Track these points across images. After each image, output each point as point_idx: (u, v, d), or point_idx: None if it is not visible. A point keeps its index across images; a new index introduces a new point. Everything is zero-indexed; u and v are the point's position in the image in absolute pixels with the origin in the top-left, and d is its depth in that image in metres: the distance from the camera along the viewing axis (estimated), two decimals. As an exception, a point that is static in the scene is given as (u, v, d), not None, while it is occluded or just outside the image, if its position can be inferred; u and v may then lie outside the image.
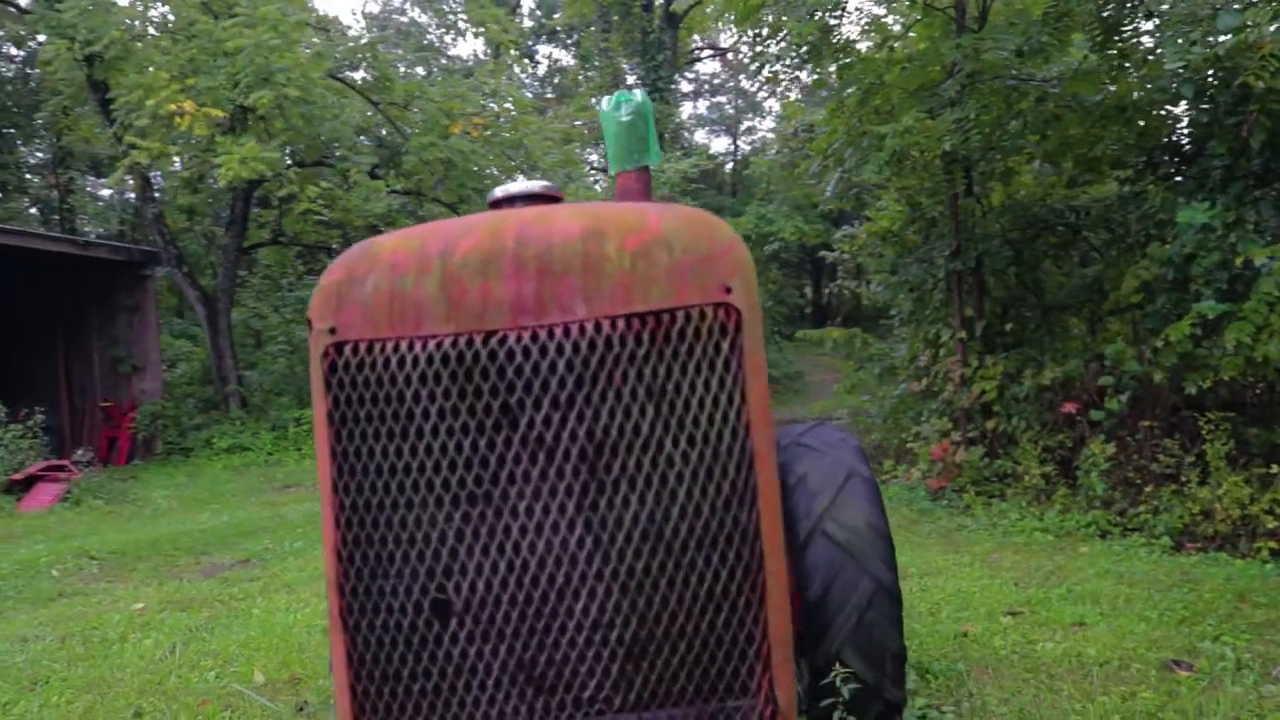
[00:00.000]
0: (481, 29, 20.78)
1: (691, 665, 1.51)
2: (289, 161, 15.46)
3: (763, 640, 1.52)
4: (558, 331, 1.47)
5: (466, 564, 1.47)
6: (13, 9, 23.45)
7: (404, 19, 37.55)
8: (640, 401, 1.50)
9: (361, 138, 20.82)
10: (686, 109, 43.76)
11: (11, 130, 31.33)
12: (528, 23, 38.77)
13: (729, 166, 41.16)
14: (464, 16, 31.81)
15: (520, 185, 1.70)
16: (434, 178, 16.40)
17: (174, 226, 20.51)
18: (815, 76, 10.56)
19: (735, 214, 29.49)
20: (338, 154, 15.71)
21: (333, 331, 1.56)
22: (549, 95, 39.71)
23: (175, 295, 24.09)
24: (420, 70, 30.25)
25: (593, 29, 30.74)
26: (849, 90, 10.08)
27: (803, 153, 16.42)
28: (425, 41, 35.92)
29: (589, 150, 32.00)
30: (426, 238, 1.56)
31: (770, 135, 35.96)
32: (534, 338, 1.47)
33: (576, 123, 33.36)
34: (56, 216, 28.48)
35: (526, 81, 42.18)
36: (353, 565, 1.58)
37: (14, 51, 30.54)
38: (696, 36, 32.51)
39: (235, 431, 17.57)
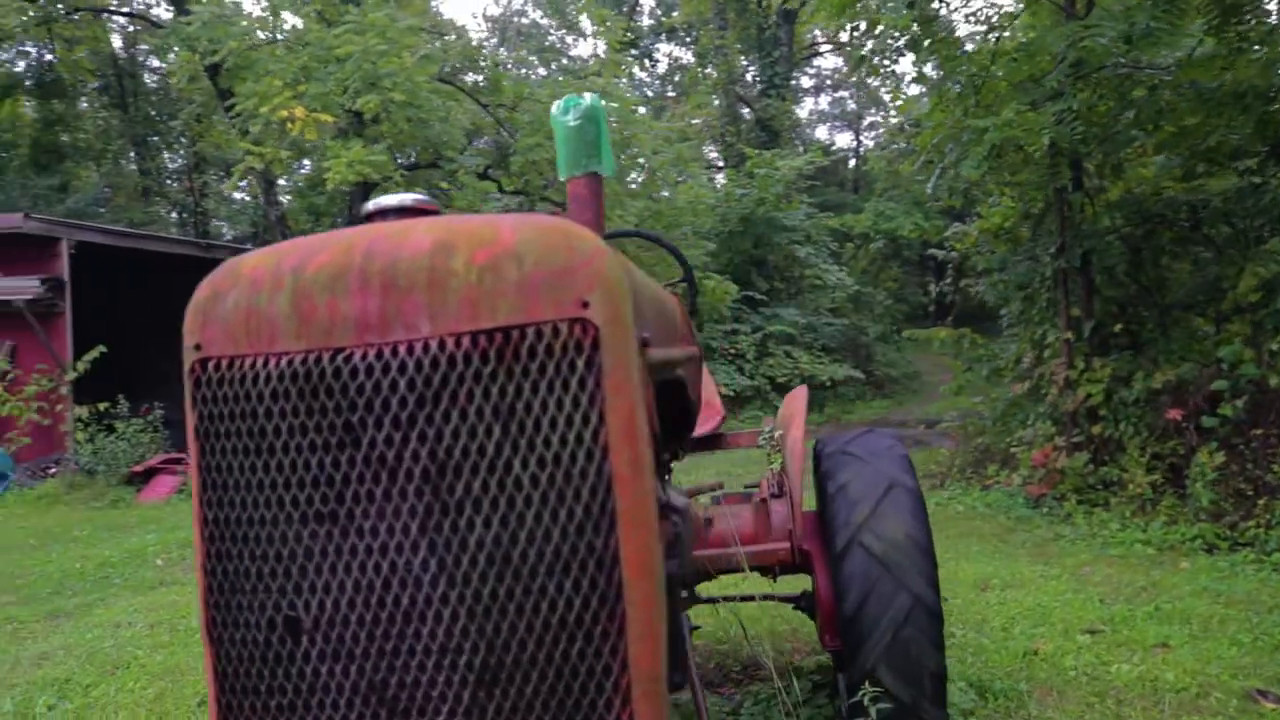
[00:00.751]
0: (602, 28, 20.87)
1: (546, 695, 1.45)
2: (399, 164, 15.80)
3: (621, 673, 1.43)
4: (401, 349, 1.44)
5: (316, 583, 1.46)
6: (152, 24, 24.64)
7: (525, 20, 38.09)
8: (487, 422, 1.45)
9: (482, 141, 21.22)
10: (808, 104, 43.32)
11: (154, 138, 32.95)
12: (647, 21, 38.87)
13: (852, 163, 40.60)
14: (584, 17, 32.20)
15: (394, 198, 1.65)
16: (541, 178, 16.53)
17: (295, 227, 21.22)
18: (915, 70, 10.27)
19: (855, 211, 29.07)
20: (446, 156, 15.97)
21: (198, 348, 1.58)
22: (670, 94, 39.80)
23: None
24: (542, 71, 30.69)
25: (710, 26, 30.60)
26: (952, 83, 9.77)
27: (910, 149, 16.03)
28: (547, 43, 36.43)
29: (707, 148, 31.92)
30: (285, 254, 1.55)
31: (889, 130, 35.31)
32: (378, 355, 1.44)
33: (694, 121, 33.34)
34: (191, 219, 29.78)
35: (647, 80, 42.40)
36: (215, 579, 1.60)
37: (155, 64, 32.11)
38: (816, 31, 32.09)
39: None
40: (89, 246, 14.09)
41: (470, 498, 1.44)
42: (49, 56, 31.09)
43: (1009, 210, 11.31)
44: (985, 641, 5.02)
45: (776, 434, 4.12)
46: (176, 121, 26.86)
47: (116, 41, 32.51)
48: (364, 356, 1.45)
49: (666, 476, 2.56)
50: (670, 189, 19.98)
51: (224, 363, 1.56)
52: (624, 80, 24.87)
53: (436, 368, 1.44)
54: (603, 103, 2.21)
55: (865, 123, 42.84)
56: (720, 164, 30.40)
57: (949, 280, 19.51)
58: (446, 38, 20.43)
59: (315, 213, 22.75)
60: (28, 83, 31.96)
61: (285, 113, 13.17)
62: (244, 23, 14.98)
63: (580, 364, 1.46)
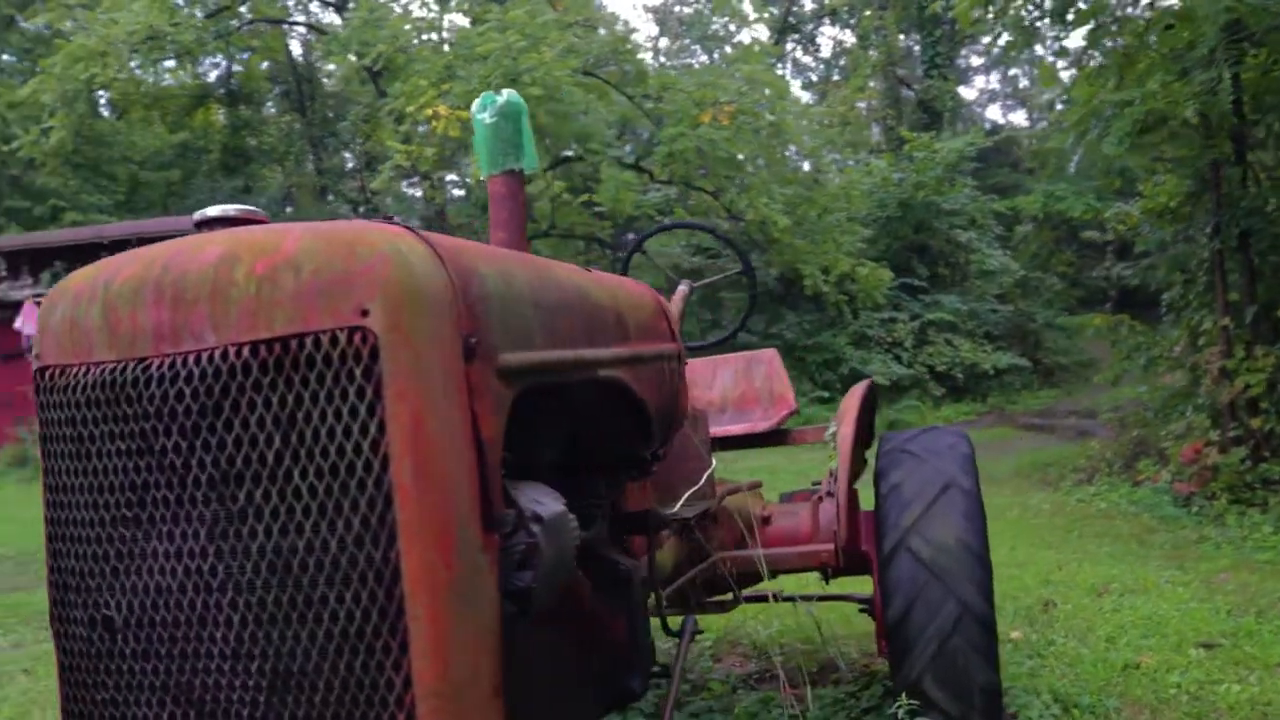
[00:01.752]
0: (766, 14, 20.68)
1: (335, 705, 1.44)
2: (548, 158, 16.04)
3: (405, 688, 1.39)
4: (190, 360, 1.47)
5: (127, 585, 1.54)
6: (320, 31, 25.77)
7: (687, 9, 38.04)
8: (268, 432, 1.44)
9: (638, 132, 21.31)
10: (978, 83, 41.73)
11: (331, 138, 34.48)
12: (809, 5, 38.24)
13: (1027, 143, 38.90)
14: (746, 2, 31.90)
15: (216, 209, 1.66)
16: (685, 168, 16.48)
17: (453, 222, 21.83)
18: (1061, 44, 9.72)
19: (1026, 192, 27.85)
20: (589, 148, 16.10)
21: (38, 357, 1.66)
22: (835, 78, 39.07)
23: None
24: (704, 59, 30.61)
25: (871, 7, 29.86)
26: (1096, 56, 9.22)
27: (1062, 125, 15.23)
28: (710, 31, 36.28)
29: (868, 132, 31.21)
30: (104, 267, 1.61)
31: (1061, 107, 33.62)
32: (170, 366, 1.48)
33: (860, 104, 32.63)
34: (364, 216, 31.04)
35: (811, 64, 41.74)
36: (55, 577, 1.68)
37: (330, 67, 33.58)
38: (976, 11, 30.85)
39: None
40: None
41: (253, 507, 1.45)
42: (237, 67, 32.99)
43: (1173, 188, 10.59)
44: (1084, 651, 4.70)
45: (831, 430, 3.96)
46: (345, 123, 27.99)
47: (296, 48, 34.22)
48: (159, 366, 1.50)
49: (642, 481, 2.47)
50: (823, 175, 19.60)
51: (56, 372, 1.63)
52: (780, 65, 24.53)
53: (219, 378, 1.46)
54: (520, 98, 2.14)
55: (1044, 99, 40.95)
56: (883, 148, 29.64)
57: (1108, 265, 18.49)
58: (599, 32, 20.60)
59: (483, 207, 23.35)
60: (220, 91, 34.00)
61: (430, 111, 13.54)
62: (394, 25, 15.46)
63: (359, 373, 1.43)
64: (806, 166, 21.36)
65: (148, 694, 1.50)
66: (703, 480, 3.62)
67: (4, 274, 15.43)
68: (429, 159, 14.76)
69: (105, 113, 30.82)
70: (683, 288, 4.35)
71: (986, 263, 22.79)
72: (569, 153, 17.77)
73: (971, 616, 3.28)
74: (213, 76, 33.56)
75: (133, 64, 18.32)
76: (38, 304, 15.14)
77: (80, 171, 25.96)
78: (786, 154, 20.16)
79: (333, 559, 1.44)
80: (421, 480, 1.42)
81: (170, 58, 19.12)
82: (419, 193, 32.44)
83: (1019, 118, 41.84)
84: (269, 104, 36.65)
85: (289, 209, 34.75)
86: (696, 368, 4.87)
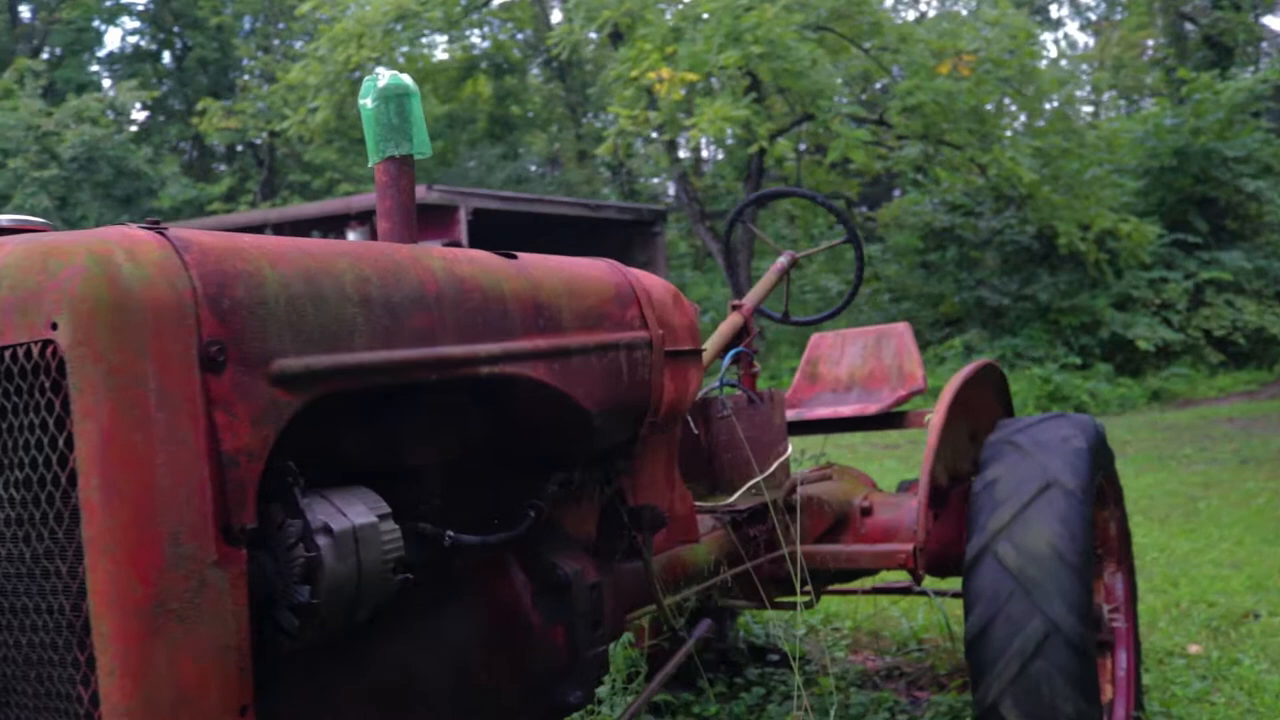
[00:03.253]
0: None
1: (34, 718, 1.46)
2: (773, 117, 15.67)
3: (94, 706, 1.37)
4: None
5: None
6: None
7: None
8: None
9: (880, 87, 20.50)
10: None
11: (588, 103, 35.32)
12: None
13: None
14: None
15: (4, 218, 1.64)
16: (924, 123, 15.66)
17: (698, 184, 21.81)
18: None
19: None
20: (819, 106, 15.57)
21: None
22: (1118, 16, 36.14)
23: (701, 249, 25.60)
24: (961, 10, 29.03)
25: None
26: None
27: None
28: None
29: (1146, 76, 28.64)
30: None
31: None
32: None
33: (1143, 44, 29.99)
34: (617, 180, 31.58)
35: (1092, 4, 38.75)
36: None
37: (592, 35, 34.30)
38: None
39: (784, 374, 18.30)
40: (485, 212, 15.39)
41: None
42: (502, 37, 34.30)
43: None
44: (1274, 679, 4.08)
45: (929, 417, 3.59)
46: (593, 89, 28.54)
47: (556, 16, 35.16)
48: None
49: (574, 490, 2.31)
50: (1082, 123, 18.15)
51: None
52: (1057, 4, 22.83)
53: None
54: (407, 79, 1.98)
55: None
56: (1161, 91, 27.12)
57: None
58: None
59: (737, 168, 23.24)
60: (483, 65, 35.50)
61: (653, 74, 13.49)
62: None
63: (48, 388, 1.39)
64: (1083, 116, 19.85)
65: None
66: (772, 468, 3.36)
67: (272, 244, 16.74)
68: (654, 121, 14.72)
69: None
70: (782, 260, 4.07)
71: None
72: (805, 111, 17.27)
73: (1060, 637, 2.90)
74: (478, 50, 35.09)
75: (395, 45, 19.31)
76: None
77: (355, 145, 27.84)
78: (1048, 104, 18.81)
79: (29, 572, 1.45)
80: (112, 497, 1.36)
81: (424, 35, 20.01)
82: (684, 153, 32.89)
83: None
84: (535, 71, 37.95)
85: (556, 172, 36.04)
86: (825, 343, 4.57)
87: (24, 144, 19.20)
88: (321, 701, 1.84)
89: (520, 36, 34.76)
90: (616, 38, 17.39)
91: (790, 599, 3.57)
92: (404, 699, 1.96)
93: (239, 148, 29.18)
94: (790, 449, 3.46)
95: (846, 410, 4.05)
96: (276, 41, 28.53)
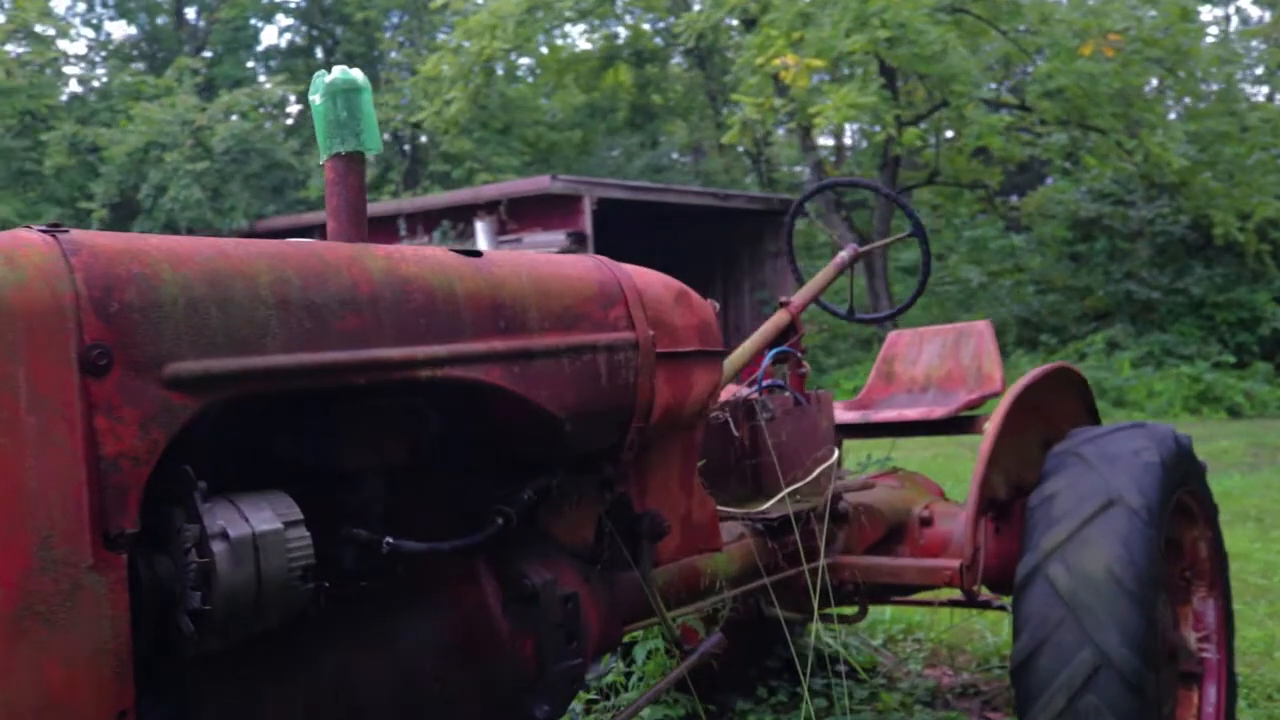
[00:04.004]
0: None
1: None
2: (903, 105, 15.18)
3: None
4: None
5: None
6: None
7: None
8: None
9: (1022, 71, 19.67)
10: None
11: (723, 89, 35.07)
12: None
13: None
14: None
15: None
16: (1066, 106, 14.93)
17: (832, 171, 21.39)
18: None
19: None
20: (953, 91, 15.01)
21: None
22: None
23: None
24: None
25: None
26: None
27: None
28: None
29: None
30: None
31: None
32: None
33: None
34: (756, 168, 31.24)
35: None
36: None
37: (733, 22, 34.01)
38: None
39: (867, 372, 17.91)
40: (609, 202, 15.38)
41: None
42: (644, 25, 34.30)
43: None
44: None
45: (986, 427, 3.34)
46: (729, 76, 28.29)
47: (696, 5, 34.98)
48: None
49: (545, 498, 2.21)
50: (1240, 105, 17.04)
51: None
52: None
53: None
54: (358, 74, 1.91)
55: None
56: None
57: None
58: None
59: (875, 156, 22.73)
60: (625, 54, 35.59)
61: (778, 61, 13.24)
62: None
63: None
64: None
65: None
66: (814, 474, 3.18)
67: (404, 233, 17.12)
68: (776, 113, 14.45)
69: (527, 77, 33.40)
70: (844, 254, 3.87)
71: None
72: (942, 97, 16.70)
73: (1112, 671, 2.68)
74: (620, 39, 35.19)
75: (529, 35, 19.52)
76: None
77: (494, 135, 28.28)
78: (1207, 86, 17.74)
79: None
80: None
81: (560, 25, 20.17)
82: (828, 142, 32.28)
83: None
84: (677, 59, 37.85)
85: (696, 161, 35.93)
86: (902, 341, 4.34)
87: (179, 138, 20.13)
88: (254, 710, 1.80)
89: (664, 25, 34.74)
90: (750, 24, 17.16)
91: (840, 610, 3.40)
92: (344, 708, 1.90)
93: (386, 137, 30.02)
94: (836, 454, 3.27)
95: (912, 413, 3.82)
96: (418, 35, 29.19)
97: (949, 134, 20.65)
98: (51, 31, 24.34)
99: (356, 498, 1.89)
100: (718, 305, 2.73)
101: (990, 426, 3.16)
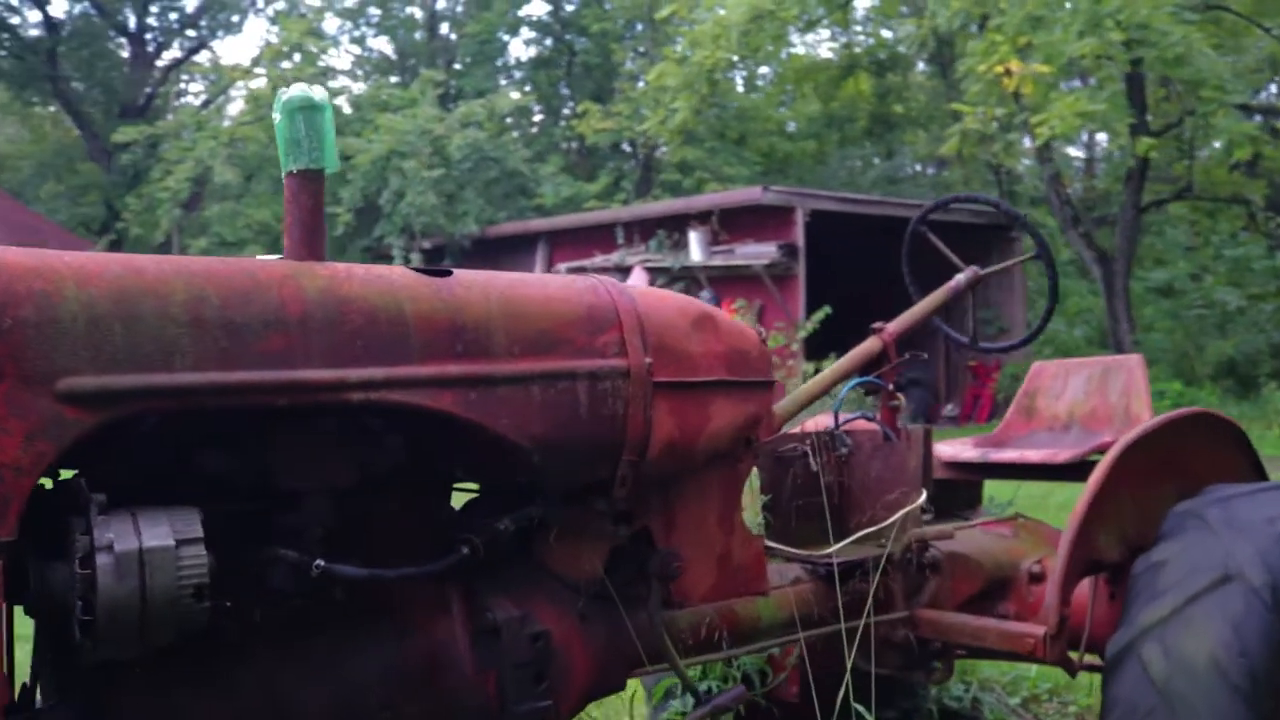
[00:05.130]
0: None
1: None
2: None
3: None
4: None
5: None
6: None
7: None
8: None
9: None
10: None
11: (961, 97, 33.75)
12: None
13: None
14: None
15: None
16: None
17: (1071, 184, 20.16)
18: None
19: None
20: (1201, 96, 13.75)
21: None
22: None
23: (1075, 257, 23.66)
24: None
25: None
26: None
27: None
28: None
29: None
30: None
31: None
32: None
33: None
34: (997, 179, 29.89)
35: None
36: None
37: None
38: None
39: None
40: (824, 214, 14.99)
41: None
42: (886, 33, 33.48)
43: None
44: None
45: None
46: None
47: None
48: None
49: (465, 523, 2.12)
50: None
51: None
52: None
53: None
54: (317, 92, 1.86)
55: None
56: None
57: None
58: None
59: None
60: (865, 62, 34.85)
61: (1000, 68, 12.55)
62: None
63: None
64: None
65: None
66: (895, 517, 2.89)
67: (621, 241, 17.32)
68: (1004, 119, 13.69)
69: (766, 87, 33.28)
70: (961, 277, 3.54)
71: None
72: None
73: (1203, 784, 2.30)
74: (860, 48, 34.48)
75: (754, 44, 19.39)
76: (646, 269, 16.80)
77: (728, 145, 28.28)
78: None
79: None
80: None
81: (784, 33, 19.95)
82: (1078, 150, 30.45)
83: None
84: (921, 67, 36.76)
85: (939, 172, 34.85)
86: (1046, 373, 3.94)
87: (419, 147, 21.17)
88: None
89: (905, 32, 33.78)
90: (983, 30, 16.37)
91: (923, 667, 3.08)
92: None
93: (624, 146, 30.60)
94: (924, 497, 2.97)
95: (1034, 455, 3.43)
96: (653, 46, 29.62)
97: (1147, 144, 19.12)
98: (314, 49, 26.16)
99: (296, 519, 1.86)
100: (764, 331, 2.52)
101: (1093, 478, 2.78)
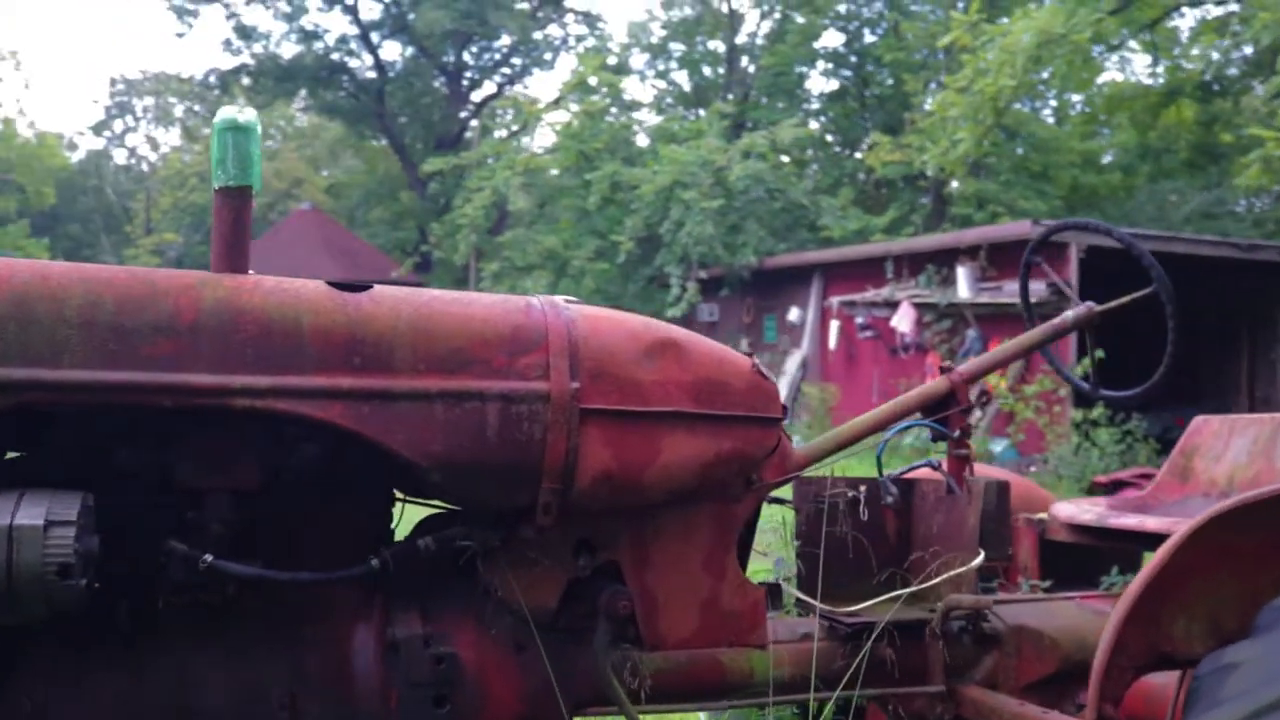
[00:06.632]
0: None
1: None
2: None
3: None
4: None
5: None
6: None
7: None
8: None
9: None
10: None
11: None
12: None
13: None
14: None
15: None
16: None
17: None
18: None
19: None
20: None
21: None
22: None
23: None
24: None
25: None
26: None
27: None
28: None
29: None
30: None
31: None
32: None
33: None
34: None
35: None
36: None
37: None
38: None
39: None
40: (1102, 250, 13.88)
41: None
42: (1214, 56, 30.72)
43: None
44: None
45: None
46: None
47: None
48: None
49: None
50: None
51: None
52: None
53: None
54: (248, 115, 1.97)
55: None
56: None
57: None
58: None
59: None
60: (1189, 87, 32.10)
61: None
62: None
63: None
64: None
65: None
66: (940, 578, 2.62)
67: (890, 275, 16.85)
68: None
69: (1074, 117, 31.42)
70: (1070, 313, 3.19)
71: None
72: None
73: None
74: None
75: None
76: (913, 305, 16.23)
77: (1025, 177, 26.88)
78: None
79: None
80: None
81: (1094, 58, 18.78)
82: None
83: None
84: (1257, 90, 33.43)
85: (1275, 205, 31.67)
86: (1207, 430, 3.46)
87: (700, 177, 21.53)
88: (92, 702, 1.98)
89: (1237, 55, 30.85)
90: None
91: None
92: (179, 711, 2.01)
93: (919, 179, 29.83)
94: (981, 558, 2.66)
95: (1154, 524, 3.00)
96: (944, 74, 28.71)
97: None
98: (604, 87, 27.22)
99: (196, 515, 1.97)
100: (757, 361, 2.35)
101: (1162, 550, 2.38)
